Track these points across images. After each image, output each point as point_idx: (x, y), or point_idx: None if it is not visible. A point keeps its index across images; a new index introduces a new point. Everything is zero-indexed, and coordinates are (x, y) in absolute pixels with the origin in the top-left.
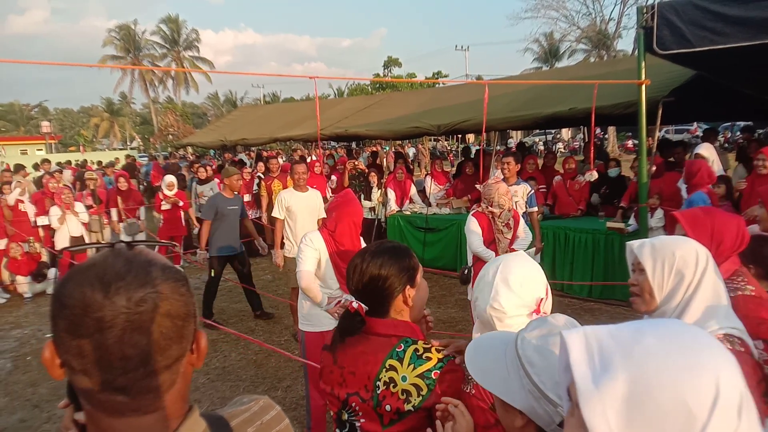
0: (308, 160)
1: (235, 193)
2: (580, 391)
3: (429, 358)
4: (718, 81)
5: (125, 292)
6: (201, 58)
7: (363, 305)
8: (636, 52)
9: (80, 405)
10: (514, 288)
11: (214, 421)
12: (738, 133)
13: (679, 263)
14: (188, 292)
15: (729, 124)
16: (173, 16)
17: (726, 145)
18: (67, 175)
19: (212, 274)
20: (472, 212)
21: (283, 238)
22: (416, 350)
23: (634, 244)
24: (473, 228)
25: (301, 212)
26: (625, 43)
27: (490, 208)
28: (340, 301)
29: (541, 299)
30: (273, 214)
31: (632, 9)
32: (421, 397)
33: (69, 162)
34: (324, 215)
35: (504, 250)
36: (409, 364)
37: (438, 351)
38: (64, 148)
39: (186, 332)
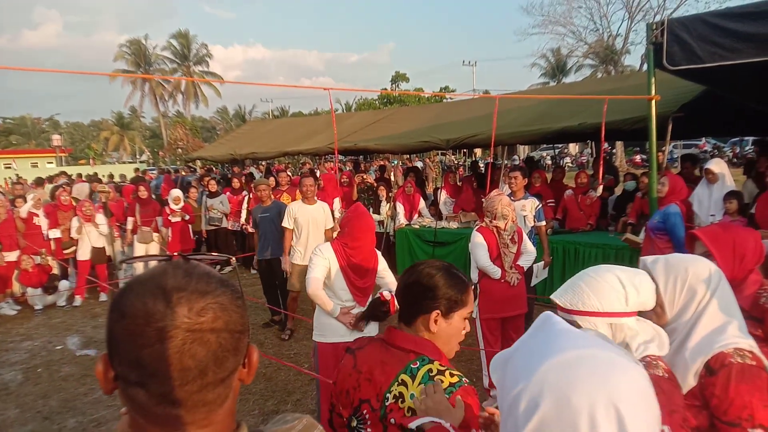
0: (317, 174)
1: (273, 200)
2: None
3: (441, 381)
4: (728, 97)
5: (187, 302)
6: (211, 72)
7: (394, 298)
8: (645, 67)
9: None
10: None
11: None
12: (747, 147)
13: (691, 280)
14: (244, 305)
15: (737, 139)
16: (183, 32)
17: (735, 160)
18: (85, 188)
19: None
20: (476, 228)
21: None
22: (430, 370)
23: (647, 260)
24: (479, 243)
25: (307, 223)
26: (633, 59)
27: (494, 221)
28: (350, 311)
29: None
30: (282, 224)
31: (639, 25)
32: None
33: (80, 175)
34: (329, 226)
35: (509, 265)
36: (420, 383)
37: (452, 375)
38: (74, 162)
39: (241, 345)
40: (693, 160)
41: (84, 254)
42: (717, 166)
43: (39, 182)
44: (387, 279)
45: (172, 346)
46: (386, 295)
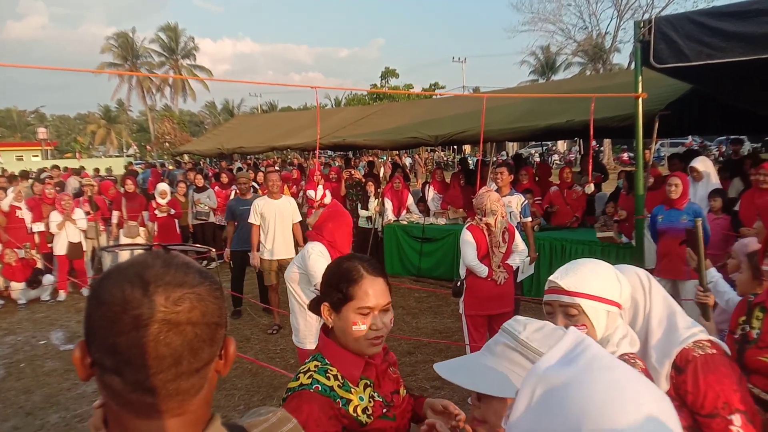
0: (315, 166)
1: (253, 195)
2: None
3: (298, 379)
4: (714, 95)
5: (164, 291)
6: (199, 66)
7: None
8: (633, 65)
9: None
10: None
11: (234, 430)
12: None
13: (627, 291)
14: (222, 296)
15: (723, 138)
16: (172, 25)
17: (720, 159)
18: (73, 181)
19: (231, 266)
20: (466, 225)
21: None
22: (303, 368)
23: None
24: (468, 241)
25: (273, 218)
26: (621, 57)
27: (484, 219)
28: None
29: None
30: (249, 220)
31: (628, 23)
32: None
33: (57, 167)
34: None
35: (497, 265)
36: (294, 376)
37: (309, 378)
38: (60, 155)
39: (217, 336)
40: (680, 158)
41: (61, 249)
42: (702, 164)
43: (23, 175)
44: None
45: (148, 334)
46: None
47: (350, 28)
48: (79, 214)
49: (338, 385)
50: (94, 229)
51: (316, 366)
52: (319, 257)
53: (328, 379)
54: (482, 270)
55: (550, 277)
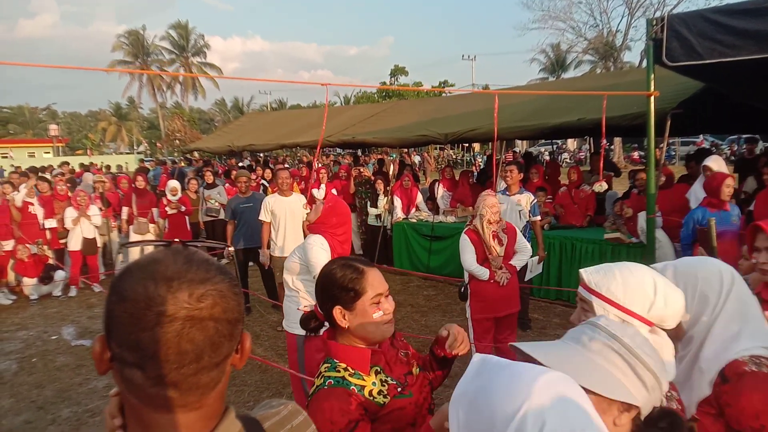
0: (314, 165)
1: (253, 192)
2: None
3: (314, 384)
4: (727, 94)
5: (187, 288)
6: (209, 64)
7: (314, 308)
8: (645, 63)
9: None
10: None
11: (248, 422)
12: (743, 145)
13: (702, 286)
14: (240, 292)
15: (735, 137)
16: (182, 22)
17: (732, 158)
18: (88, 177)
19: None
20: (465, 230)
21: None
22: (319, 371)
23: (657, 267)
24: (466, 246)
25: (284, 216)
26: (632, 55)
27: (474, 221)
28: None
29: None
30: (260, 218)
31: (639, 21)
32: None
33: (66, 163)
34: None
35: (498, 267)
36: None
37: (321, 378)
38: (71, 152)
39: (236, 332)
40: (697, 159)
41: (75, 245)
42: (715, 163)
43: (33, 171)
44: None
45: (172, 330)
46: (305, 308)
47: (360, 26)
48: (93, 210)
49: (349, 375)
50: (105, 225)
51: (326, 368)
52: (320, 250)
53: (338, 371)
54: (483, 273)
55: (581, 269)
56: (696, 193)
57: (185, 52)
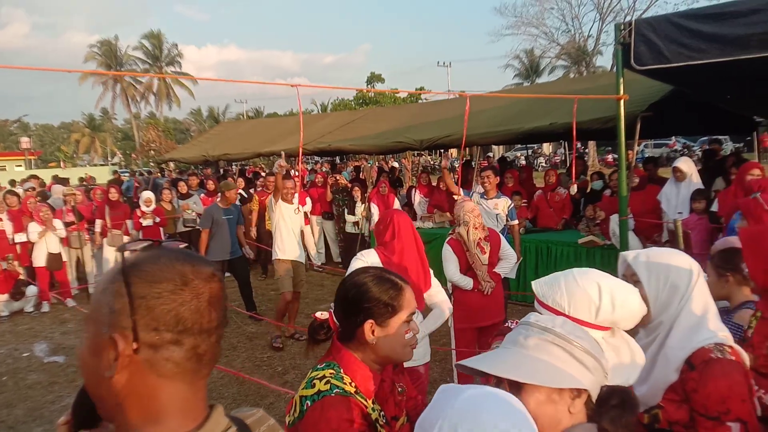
0: (292, 174)
1: (232, 204)
2: None
3: (314, 386)
4: (695, 96)
5: (204, 266)
6: (183, 73)
7: (331, 314)
8: (614, 67)
9: (85, 425)
10: None
11: (232, 419)
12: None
13: (673, 275)
14: None
15: (706, 138)
16: (155, 32)
17: (704, 159)
18: (58, 189)
19: None
20: (447, 239)
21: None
22: (317, 375)
23: (629, 255)
24: (448, 256)
25: (288, 221)
26: (604, 60)
27: (458, 229)
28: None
29: None
30: (272, 223)
31: (610, 26)
32: (293, 417)
33: (35, 176)
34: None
35: (483, 276)
36: (304, 382)
37: (327, 384)
38: (43, 165)
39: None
40: (655, 162)
41: (40, 260)
42: (685, 164)
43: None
44: (436, 299)
45: (204, 301)
46: (320, 314)
47: (336, 34)
48: (58, 224)
49: (355, 392)
50: (77, 238)
51: (331, 374)
52: (358, 261)
53: (344, 383)
54: (466, 283)
55: (533, 281)
56: (667, 195)
57: (159, 62)
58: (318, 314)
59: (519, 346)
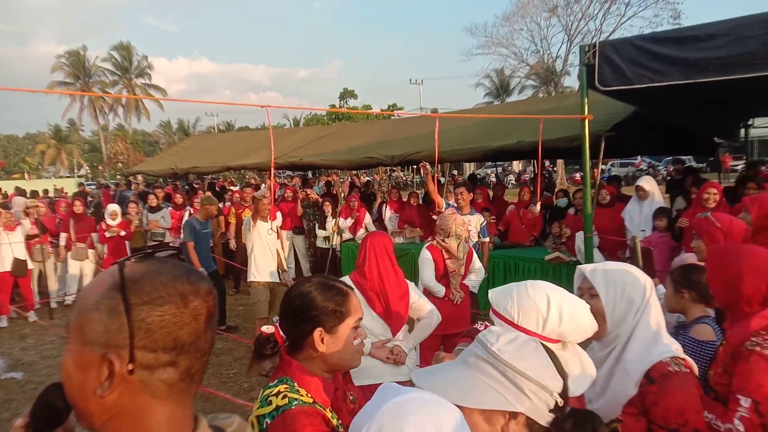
0: (262, 188)
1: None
2: None
3: (270, 403)
4: (656, 116)
5: (201, 282)
6: (153, 85)
7: (277, 328)
8: (580, 88)
9: (44, 428)
10: None
11: (214, 428)
12: (671, 166)
13: (629, 289)
14: None
15: (671, 158)
16: (125, 43)
17: (669, 178)
18: (19, 201)
19: None
20: (426, 245)
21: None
22: (271, 392)
23: (586, 269)
24: (426, 261)
25: (265, 240)
26: (572, 80)
27: (446, 240)
28: (384, 345)
29: None
30: (247, 241)
31: (578, 48)
32: None
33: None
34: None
35: (455, 287)
36: (258, 402)
37: (285, 398)
38: (7, 176)
39: None
40: (618, 181)
41: (4, 265)
42: (647, 183)
43: None
44: (423, 312)
45: (202, 322)
46: (265, 329)
47: (308, 48)
48: (19, 230)
49: (313, 402)
50: (40, 251)
51: (286, 388)
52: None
53: (301, 395)
54: (439, 290)
55: (490, 290)
56: (630, 213)
57: (128, 74)
58: (264, 328)
59: (463, 362)
